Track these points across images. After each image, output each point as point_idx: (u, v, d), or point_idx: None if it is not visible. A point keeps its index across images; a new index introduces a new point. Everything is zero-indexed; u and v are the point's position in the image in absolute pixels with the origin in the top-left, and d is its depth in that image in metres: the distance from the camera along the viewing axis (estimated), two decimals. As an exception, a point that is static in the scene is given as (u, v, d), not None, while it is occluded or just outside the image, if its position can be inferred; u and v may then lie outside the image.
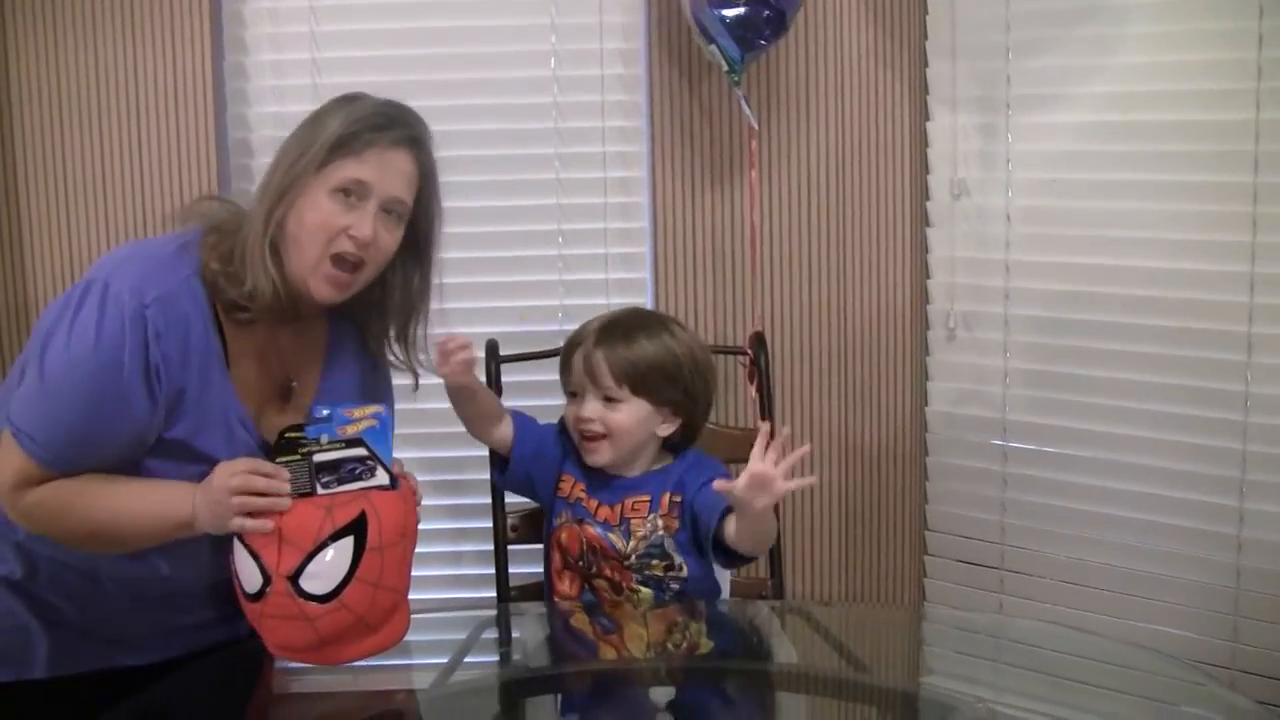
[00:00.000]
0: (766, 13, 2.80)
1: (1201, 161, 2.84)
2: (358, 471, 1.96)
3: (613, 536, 2.31)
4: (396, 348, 2.23)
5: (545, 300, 3.21)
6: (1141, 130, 2.92)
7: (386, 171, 2.03)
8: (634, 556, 2.30)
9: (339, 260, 2.02)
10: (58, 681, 2.12)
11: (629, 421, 2.32)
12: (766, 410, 2.82)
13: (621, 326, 2.35)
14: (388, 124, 2.03)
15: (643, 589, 2.30)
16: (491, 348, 2.76)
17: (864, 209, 3.24)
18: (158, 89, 3.12)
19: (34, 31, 3.10)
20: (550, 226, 3.24)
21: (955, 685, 2.16)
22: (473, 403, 2.36)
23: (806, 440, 3.23)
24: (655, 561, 2.30)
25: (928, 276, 3.28)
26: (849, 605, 3.23)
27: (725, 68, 2.90)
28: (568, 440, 2.44)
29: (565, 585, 2.39)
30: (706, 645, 2.32)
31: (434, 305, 2.25)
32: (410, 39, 3.18)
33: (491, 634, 2.41)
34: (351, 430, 1.97)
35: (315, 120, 2.03)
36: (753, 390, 2.85)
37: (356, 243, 2.02)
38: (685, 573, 2.31)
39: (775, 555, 2.74)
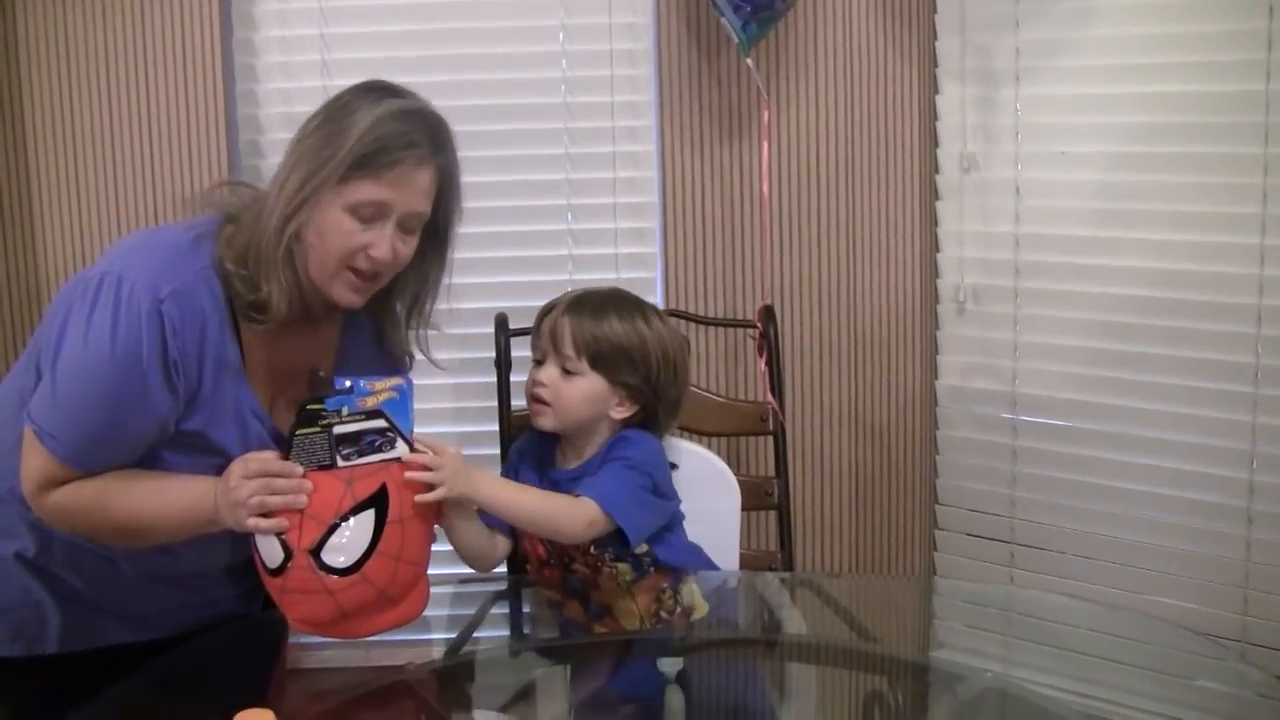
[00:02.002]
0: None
1: (1212, 133, 2.82)
2: (378, 443, 1.95)
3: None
4: (406, 329, 2.20)
5: (554, 275, 3.20)
6: (1151, 102, 2.90)
7: (407, 191, 1.98)
8: (592, 547, 2.26)
9: (356, 272, 1.99)
10: (70, 657, 2.11)
11: (577, 395, 2.26)
12: (776, 384, 2.81)
13: (595, 301, 2.30)
14: (412, 143, 1.96)
15: (619, 564, 2.26)
16: (501, 321, 2.75)
17: (873, 183, 3.24)
18: (167, 65, 3.11)
19: (43, 12, 3.09)
20: (559, 201, 3.23)
21: (965, 659, 2.15)
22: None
23: (816, 413, 3.25)
24: (614, 548, 2.26)
25: (937, 250, 3.26)
26: (858, 577, 3.23)
27: (736, 40, 2.88)
28: (526, 443, 2.41)
29: (547, 577, 2.35)
30: (701, 607, 2.30)
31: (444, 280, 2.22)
32: (415, 13, 3.16)
33: (502, 608, 2.40)
34: (372, 402, 1.95)
35: (338, 117, 1.96)
36: (762, 364, 2.84)
37: (373, 262, 1.99)
38: (647, 548, 2.28)
39: (785, 528, 2.73)
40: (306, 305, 2.02)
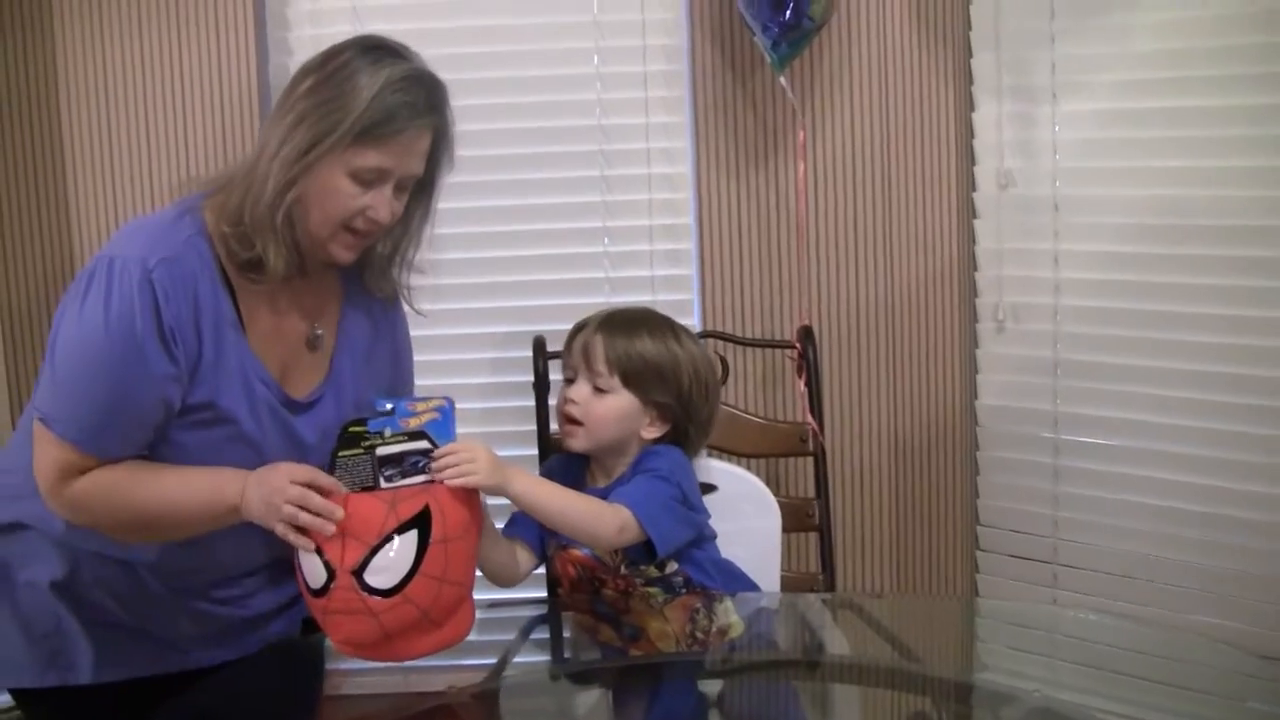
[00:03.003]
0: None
1: (1254, 146, 2.79)
2: (420, 464, 1.95)
3: (598, 552, 2.25)
4: (389, 271, 2.20)
5: (591, 298, 3.18)
6: (1191, 115, 2.87)
7: (407, 156, 2.01)
8: (623, 567, 2.24)
9: (353, 231, 2.02)
10: (105, 688, 2.10)
11: (609, 413, 2.25)
12: (815, 404, 2.79)
13: (627, 319, 2.30)
14: (416, 112, 1.99)
15: (650, 589, 2.26)
16: (539, 344, 2.75)
17: (910, 201, 3.22)
18: (200, 49, 3.14)
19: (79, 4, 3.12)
20: (595, 224, 3.23)
21: (1010, 680, 2.11)
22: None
23: (855, 434, 3.24)
24: (645, 566, 2.25)
25: (975, 269, 3.23)
26: (900, 597, 3.21)
27: (769, 59, 2.87)
28: (556, 462, 2.41)
29: (578, 601, 2.34)
30: (737, 626, 2.30)
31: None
32: (451, 37, 3.16)
33: (542, 633, 2.39)
34: (414, 423, 1.96)
35: (337, 80, 1.96)
36: (801, 384, 2.83)
37: (371, 223, 2.02)
38: (677, 566, 2.27)
39: (826, 549, 2.72)
40: (302, 262, 2.04)
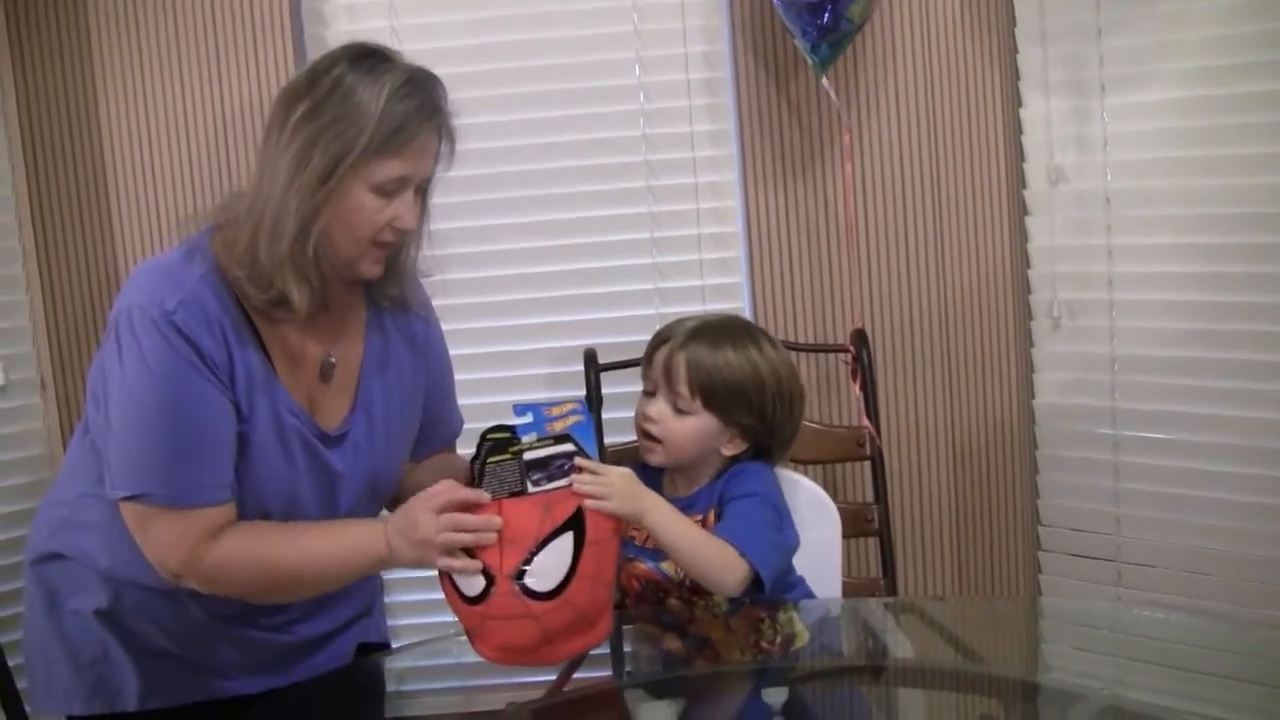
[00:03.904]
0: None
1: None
2: (565, 467, 1.96)
3: (664, 566, 2.24)
4: (398, 278, 2.19)
5: (641, 310, 3.19)
6: (1241, 102, 2.84)
7: (423, 159, 2.01)
8: (689, 581, 2.22)
9: (380, 245, 2.02)
10: (152, 715, 2.11)
11: (689, 435, 2.24)
12: (871, 408, 2.80)
13: (710, 333, 2.26)
14: (426, 114, 1.98)
15: (716, 599, 2.23)
16: (590, 357, 2.77)
17: (960, 200, 3.21)
18: (238, 58, 3.14)
19: (116, 10, 3.13)
20: (643, 235, 3.23)
21: (1077, 681, 2.10)
22: None
23: (911, 437, 3.23)
24: None
25: (1028, 266, 3.21)
26: (962, 600, 3.21)
27: (811, 61, 2.88)
28: (633, 468, 2.37)
29: (642, 612, 2.34)
30: (802, 635, 2.28)
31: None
32: (492, 53, 3.16)
33: (602, 648, 2.30)
34: (558, 426, 1.97)
35: (338, 99, 1.93)
36: (856, 388, 2.84)
37: (398, 233, 2.02)
38: None
39: (887, 554, 2.73)
40: (325, 294, 2.03)
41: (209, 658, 2.11)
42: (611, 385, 2.76)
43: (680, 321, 2.30)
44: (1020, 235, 3.22)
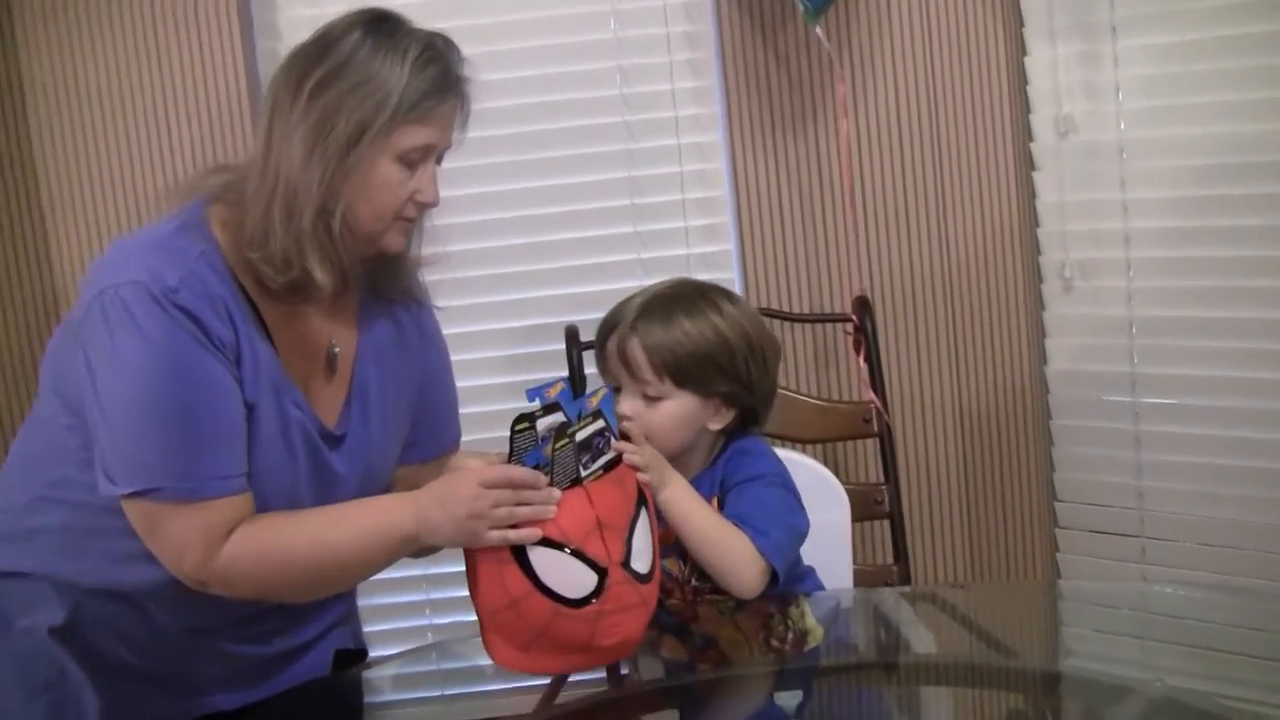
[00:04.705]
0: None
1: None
2: (600, 446, 1.91)
3: (666, 563, 2.13)
4: (404, 265, 2.14)
5: (624, 283, 3.04)
6: (1263, 43, 2.80)
7: (447, 127, 1.98)
8: (693, 578, 2.14)
9: (404, 218, 1.98)
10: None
11: (670, 422, 2.12)
12: (877, 381, 2.75)
13: (660, 306, 2.14)
14: (451, 79, 1.94)
15: (720, 595, 2.14)
16: (572, 335, 2.70)
17: (962, 157, 3.17)
18: (180, 30, 3.09)
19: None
20: (623, 202, 3.18)
21: (1126, 670, 2.04)
22: None
23: (918, 411, 3.24)
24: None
25: (1037, 225, 3.18)
26: (984, 586, 3.18)
27: (802, 9, 2.82)
28: None
29: None
30: (816, 631, 2.20)
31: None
32: (462, 8, 3.10)
33: None
34: (594, 401, 1.93)
35: (355, 67, 1.88)
36: (860, 360, 2.79)
37: (420, 207, 1.98)
38: None
39: (899, 538, 2.69)
40: (347, 272, 1.98)
41: (179, 673, 2.04)
42: (595, 364, 2.67)
43: (624, 303, 2.19)
44: (1028, 191, 3.19)
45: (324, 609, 2.14)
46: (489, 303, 3.17)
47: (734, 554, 2.04)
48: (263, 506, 1.92)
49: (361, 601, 2.30)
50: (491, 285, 3.17)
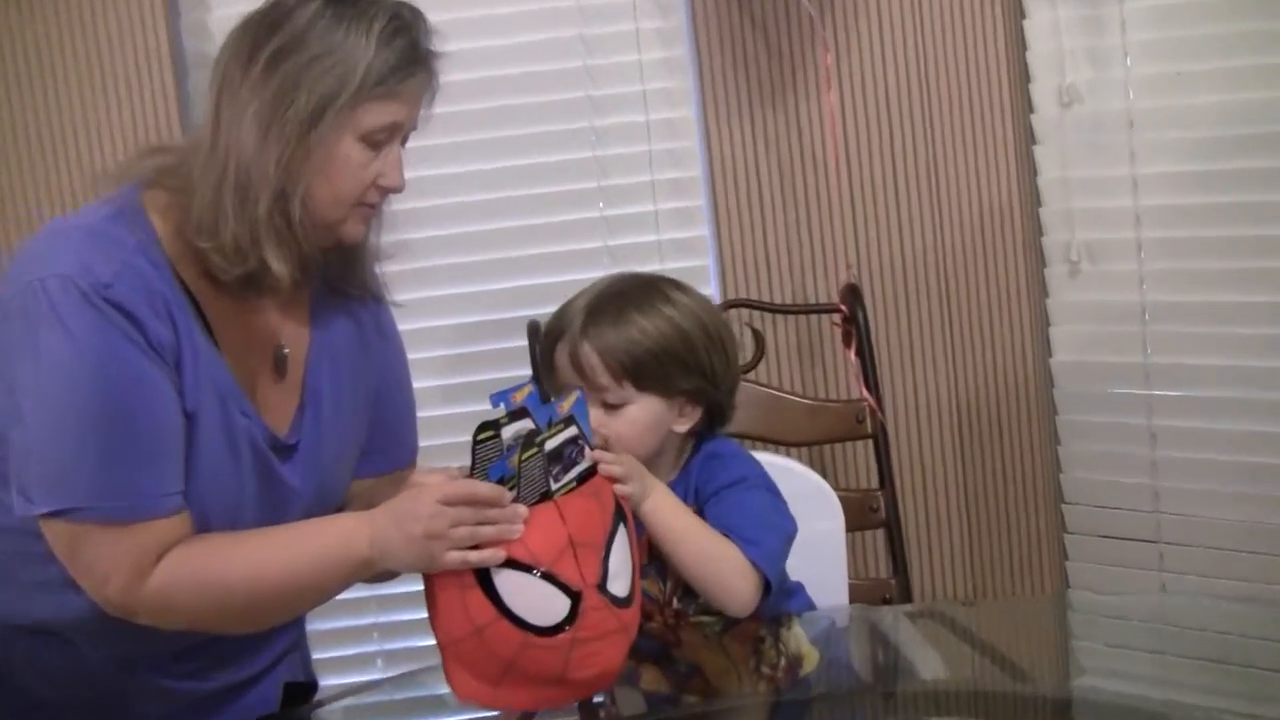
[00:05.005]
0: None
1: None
2: (573, 455, 1.85)
3: (644, 583, 2.08)
4: (360, 258, 2.10)
5: (589, 272, 2.88)
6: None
7: (415, 104, 1.92)
8: (675, 599, 2.12)
9: (365, 204, 1.93)
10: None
11: (636, 429, 2.09)
12: (870, 376, 2.71)
13: (608, 306, 2.11)
14: (420, 52, 1.90)
15: (704, 618, 2.12)
16: (533, 329, 2.64)
17: (957, 131, 3.14)
18: (93, 18, 3.04)
19: None
20: (588, 184, 3.13)
21: (1124, 686, 2.02)
22: None
23: (912, 409, 3.22)
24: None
25: (1039, 204, 3.15)
26: (995, 603, 3.17)
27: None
28: None
29: None
30: (811, 655, 2.17)
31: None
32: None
33: None
34: (565, 407, 1.88)
35: (320, 34, 1.83)
36: (851, 354, 2.75)
37: (386, 192, 1.93)
38: None
39: (898, 548, 2.67)
40: (304, 262, 1.93)
41: (110, 712, 1.99)
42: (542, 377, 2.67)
43: (565, 308, 2.17)
44: (1029, 168, 3.16)
45: (271, 639, 2.08)
46: (438, 296, 3.10)
47: (728, 568, 2.01)
48: (203, 527, 1.86)
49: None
50: (441, 277, 3.11)
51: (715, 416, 2.19)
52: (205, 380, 1.84)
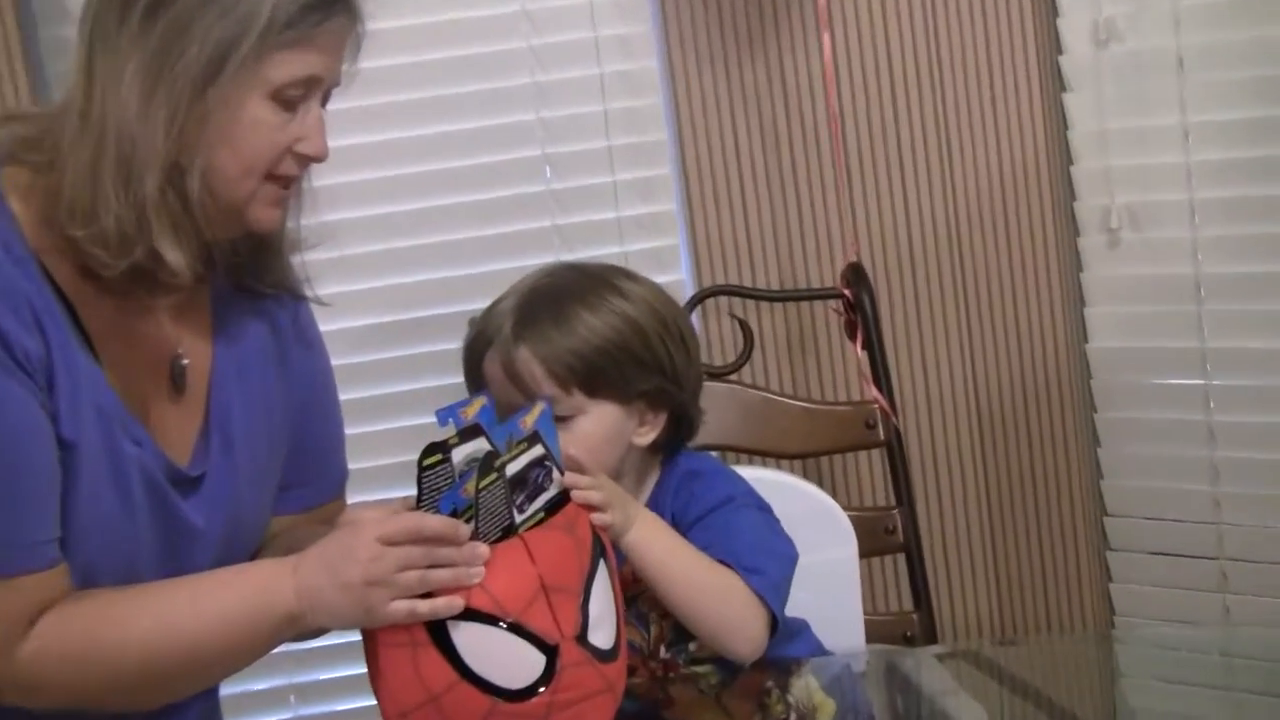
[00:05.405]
0: None
1: None
2: (540, 479, 1.79)
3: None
4: (277, 248, 2.03)
5: (537, 257, 2.89)
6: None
7: (337, 54, 1.84)
8: (664, 647, 2.08)
9: (278, 179, 1.83)
10: None
11: (591, 444, 2.03)
12: (880, 371, 2.69)
13: (544, 303, 2.07)
14: None
15: (698, 668, 2.08)
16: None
17: (973, 79, 3.12)
18: None
19: None
20: (532, 152, 3.07)
21: None
22: None
23: (924, 408, 3.21)
24: (696, 643, 2.08)
25: (1070, 162, 3.12)
26: (1040, 640, 3.11)
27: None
28: None
29: None
30: (827, 707, 2.07)
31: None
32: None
33: None
34: (529, 421, 1.81)
35: None
36: (857, 347, 2.72)
37: (304, 161, 1.84)
38: None
39: (919, 576, 2.66)
40: (207, 251, 1.85)
41: None
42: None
43: (490, 311, 2.12)
44: (1058, 120, 3.14)
45: (180, 712, 2.00)
46: (357, 291, 3.01)
47: (735, 605, 1.97)
48: (87, 581, 1.79)
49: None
50: (359, 268, 3.03)
51: (682, 425, 2.15)
52: (85, 401, 1.77)
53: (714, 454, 2.58)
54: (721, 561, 1.99)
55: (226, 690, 2.93)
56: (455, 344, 2.47)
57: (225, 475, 1.93)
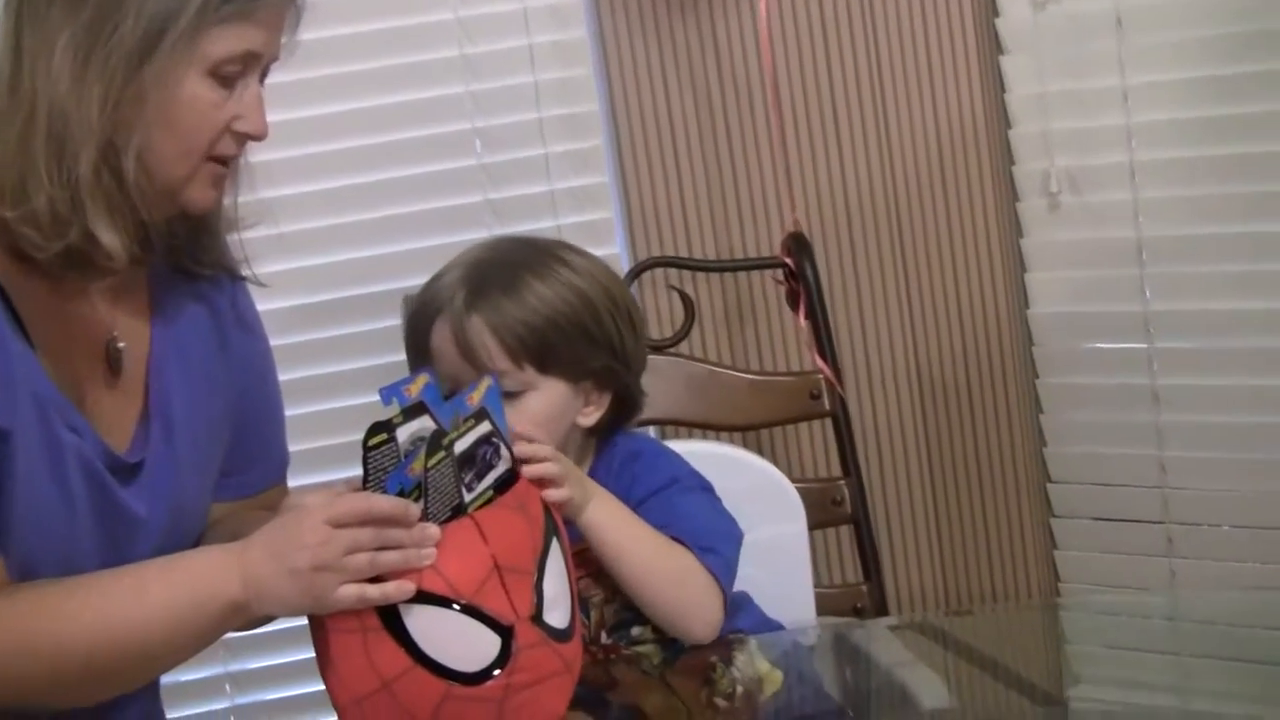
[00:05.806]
0: None
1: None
2: (488, 456, 1.78)
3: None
4: (213, 228, 2.02)
5: (469, 233, 2.89)
6: None
7: (277, 29, 1.83)
8: (604, 633, 2.08)
9: (216, 158, 1.81)
10: None
11: (540, 420, 2.03)
12: (826, 342, 2.68)
13: (495, 272, 2.06)
14: None
15: (641, 648, 2.08)
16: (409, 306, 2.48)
17: (909, 42, 3.10)
18: None
19: None
20: (461, 126, 3.03)
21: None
22: None
23: (865, 378, 3.20)
24: (640, 628, 2.09)
25: (1009, 125, 3.12)
26: (998, 609, 3.18)
27: None
28: None
29: None
30: (774, 677, 2.06)
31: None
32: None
33: None
34: (476, 398, 1.80)
35: None
36: (800, 317, 2.72)
37: (243, 140, 1.82)
38: None
39: (868, 547, 2.67)
40: (144, 232, 1.82)
41: None
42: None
43: (434, 281, 2.12)
44: (995, 82, 3.14)
45: (122, 707, 1.97)
46: (290, 270, 2.93)
47: (693, 586, 1.99)
48: (26, 573, 1.77)
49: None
50: (290, 245, 2.86)
51: (625, 407, 2.15)
52: (20, 389, 1.74)
53: (659, 427, 2.66)
54: (676, 539, 1.98)
55: (162, 680, 2.97)
56: (389, 322, 2.50)
57: (166, 462, 1.91)
